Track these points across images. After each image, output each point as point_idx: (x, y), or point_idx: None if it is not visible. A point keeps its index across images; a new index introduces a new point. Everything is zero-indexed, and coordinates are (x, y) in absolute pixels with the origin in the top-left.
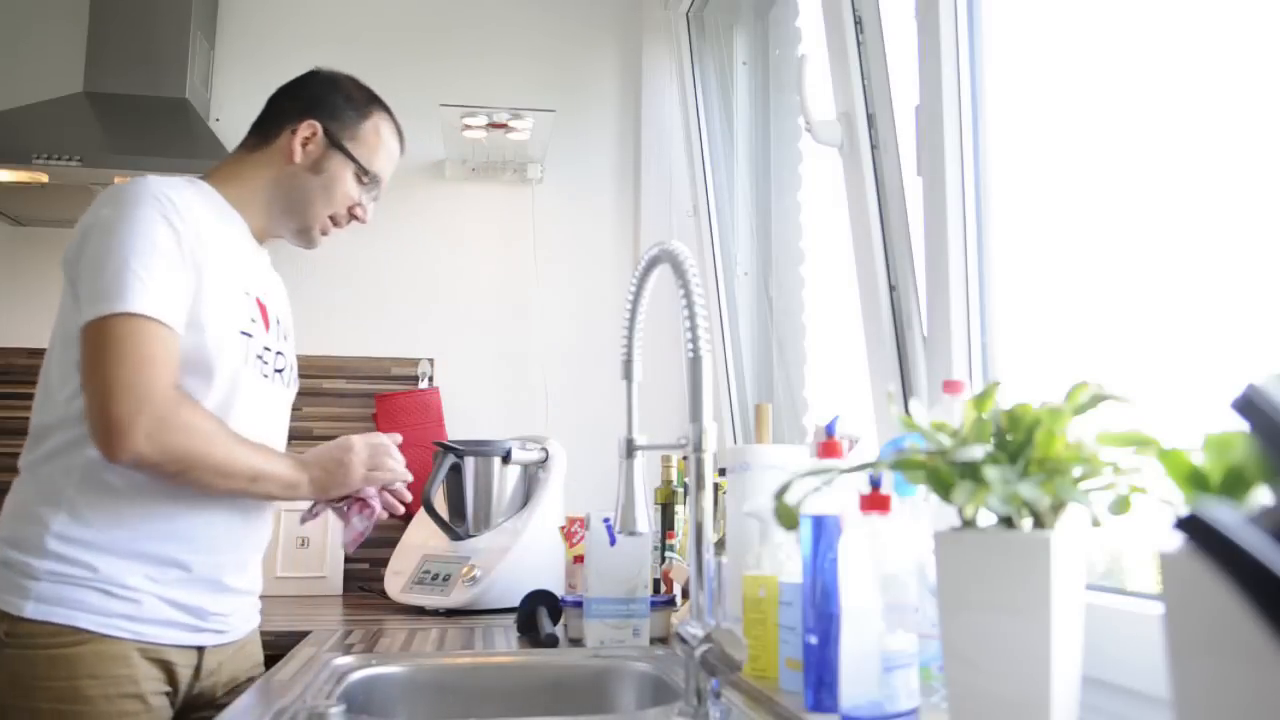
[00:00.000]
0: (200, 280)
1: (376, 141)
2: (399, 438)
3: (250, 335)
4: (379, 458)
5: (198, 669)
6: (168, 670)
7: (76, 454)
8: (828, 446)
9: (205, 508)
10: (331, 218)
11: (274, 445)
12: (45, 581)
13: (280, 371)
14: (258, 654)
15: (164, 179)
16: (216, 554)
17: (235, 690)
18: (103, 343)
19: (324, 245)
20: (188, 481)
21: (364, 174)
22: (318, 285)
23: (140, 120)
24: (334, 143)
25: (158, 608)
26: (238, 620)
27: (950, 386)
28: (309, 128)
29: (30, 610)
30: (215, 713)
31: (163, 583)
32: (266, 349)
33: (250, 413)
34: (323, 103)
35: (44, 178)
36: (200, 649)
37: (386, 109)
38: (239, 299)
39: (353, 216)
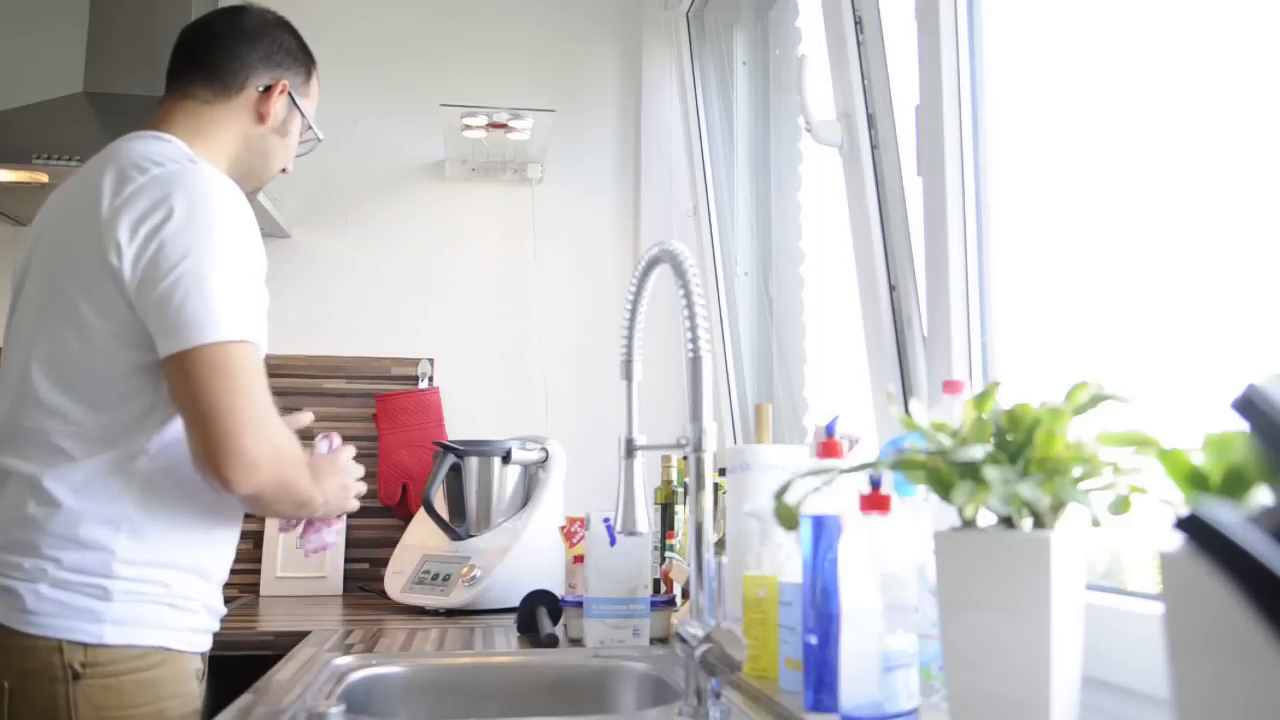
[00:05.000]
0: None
1: (316, 98)
2: (351, 450)
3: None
4: (355, 482)
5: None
6: (200, 677)
7: (133, 469)
8: (828, 446)
9: (227, 511)
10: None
11: None
12: (120, 603)
13: None
14: None
15: (215, 171)
16: (228, 554)
17: None
18: (217, 371)
19: (323, 245)
20: (265, 506)
21: (308, 130)
22: (317, 284)
23: (140, 120)
24: (295, 103)
25: (203, 616)
26: None
27: (950, 386)
28: (283, 88)
29: (110, 635)
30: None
31: (204, 588)
32: None
33: None
34: (288, 58)
35: (44, 178)
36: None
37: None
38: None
39: (282, 171)
